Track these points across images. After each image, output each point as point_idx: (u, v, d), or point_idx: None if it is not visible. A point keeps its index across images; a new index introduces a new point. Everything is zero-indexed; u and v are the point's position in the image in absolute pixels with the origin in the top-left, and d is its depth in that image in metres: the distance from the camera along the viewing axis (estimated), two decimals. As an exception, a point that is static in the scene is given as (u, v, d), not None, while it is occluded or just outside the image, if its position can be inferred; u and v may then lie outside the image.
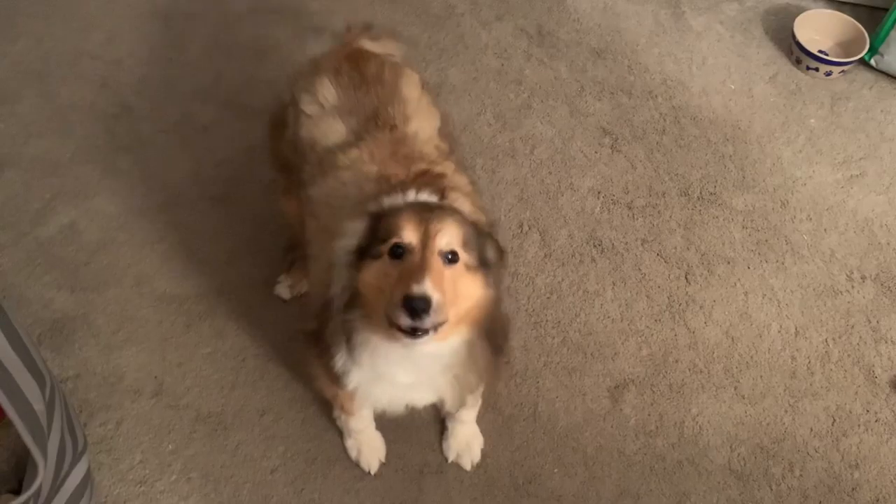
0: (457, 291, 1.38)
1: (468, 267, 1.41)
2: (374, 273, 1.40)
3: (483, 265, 1.45)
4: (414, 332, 1.32)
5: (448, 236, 1.37)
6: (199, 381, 2.13)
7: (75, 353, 2.16)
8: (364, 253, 1.43)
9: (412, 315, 1.28)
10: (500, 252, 1.52)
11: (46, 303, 2.25)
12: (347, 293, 1.45)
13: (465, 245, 1.40)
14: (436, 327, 1.33)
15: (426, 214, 1.39)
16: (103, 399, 2.10)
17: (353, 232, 1.47)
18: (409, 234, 1.36)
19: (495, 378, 1.69)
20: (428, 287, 1.28)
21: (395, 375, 1.53)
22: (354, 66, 1.83)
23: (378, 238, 1.41)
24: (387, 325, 1.36)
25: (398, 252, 1.37)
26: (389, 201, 1.50)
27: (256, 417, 2.08)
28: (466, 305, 1.41)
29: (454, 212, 1.46)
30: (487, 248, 1.48)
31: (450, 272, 1.37)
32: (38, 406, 1.64)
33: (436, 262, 1.34)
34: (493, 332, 1.51)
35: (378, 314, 1.39)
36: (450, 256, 1.37)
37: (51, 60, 2.81)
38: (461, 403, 1.80)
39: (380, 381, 1.56)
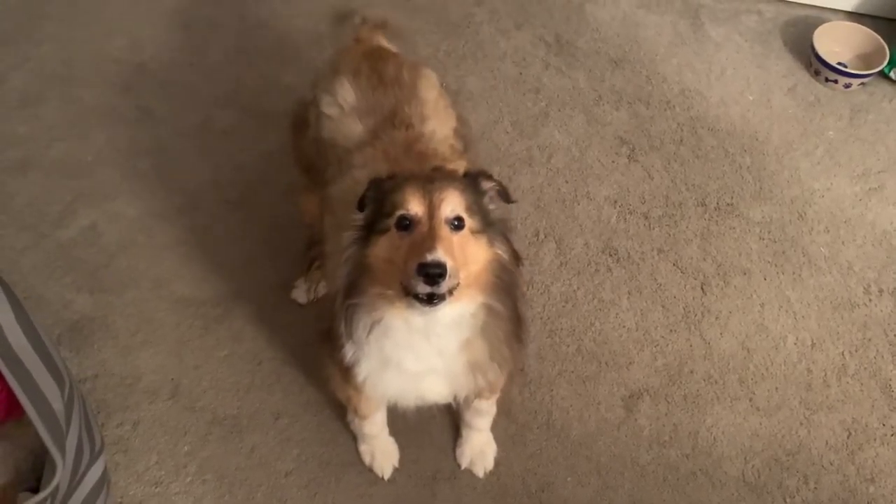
0: (466, 256, 1.41)
1: (473, 231, 1.44)
2: (384, 246, 1.43)
3: (487, 225, 1.47)
4: (430, 300, 1.36)
5: (452, 203, 1.40)
6: (215, 384, 2.15)
7: (94, 354, 2.19)
8: (371, 229, 1.45)
9: (429, 281, 1.32)
10: (506, 195, 1.54)
11: (66, 304, 2.27)
12: (354, 271, 1.47)
13: (469, 209, 1.43)
14: (451, 291, 1.37)
15: (428, 185, 1.41)
16: (121, 400, 2.12)
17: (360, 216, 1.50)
18: (414, 206, 1.39)
19: (517, 357, 1.68)
20: (440, 253, 1.32)
21: (404, 361, 1.54)
22: (373, 66, 1.85)
23: (383, 213, 1.43)
24: (403, 296, 1.39)
25: (405, 224, 1.40)
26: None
27: (271, 420, 2.09)
28: (475, 269, 1.44)
29: (455, 178, 1.48)
30: (489, 206, 1.51)
31: (457, 238, 1.40)
32: (57, 405, 1.66)
33: (443, 229, 1.38)
34: (506, 290, 1.51)
35: (392, 287, 1.42)
36: (456, 223, 1.40)
37: (74, 64, 2.85)
38: (477, 394, 1.79)
39: (388, 370, 1.56)
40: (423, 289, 1.34)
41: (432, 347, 1.52)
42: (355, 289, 1.47)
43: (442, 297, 1.36)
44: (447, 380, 1.62)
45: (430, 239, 1.35)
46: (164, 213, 2.47)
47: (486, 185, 1.52)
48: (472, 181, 1.50)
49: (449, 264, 1.32)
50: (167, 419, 2.09)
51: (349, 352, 1.55)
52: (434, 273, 1.31)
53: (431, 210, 1.39)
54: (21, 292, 2.22)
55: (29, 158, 2.58)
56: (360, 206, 1.50)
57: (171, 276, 2.33)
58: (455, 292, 1.38)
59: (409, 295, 1.37)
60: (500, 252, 1.49)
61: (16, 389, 1.58)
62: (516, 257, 1.55)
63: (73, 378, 1.83)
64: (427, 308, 1.37)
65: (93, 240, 2.40)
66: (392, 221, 1.41)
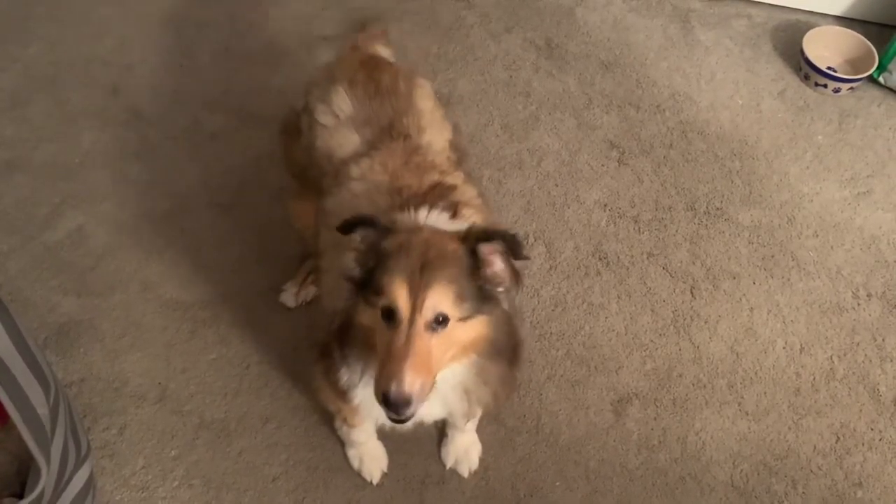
0: (449, 344, 1.39)
1: (462, 319, 1.39)
2: (368, 318, 1.42)
3: (483, 302, 1.42)
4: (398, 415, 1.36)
5: (434, 304, 1.35)
6: (202, 388, 2.14)
7: (80, 358, 2.17)
8: (363, 287, 1.42)
9: (392, 410, 1.33)
10: (518, 252, 1.46)
11: (52, 307, 2.26)
12: (346, 320, 1.48)
13: (457, 299, 1.37)
14: (422, 400, 1.36)
15: (417, 279, 1.35)
16: (107, 404, 2.10)
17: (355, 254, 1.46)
18: (399, 303, 1.35)
19: (510, 391, 1.67)
20: (406, 384, 1.31)
21: None
22: (369, 76, 1.84)
23: (373, 287, 1.39)
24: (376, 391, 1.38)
25: (388, 314, 1.37)
26: (399, 220, 1.50)
27: (259, 425, 2.08)
28: (462, 347, 1.43)
29: (447, 263, 1.38)
30: (491, 272, 1.44)
31: (438, 338, 1.37)
32: (42, 410, 1.65)
33: (419, 341, 1.34)
34: (501, 352, 1.50)
35: (372, 354, 1.43)
36: (439, 319, 1.36)
37: (62, 66, 2.83)
38: (471, 417, 1.81)
39: None
40: (387, 414, 1.36)
41: None
42: (347, 339, 1.48)
43: (409, 416, 1.37)
44: (441, 403, 1.62)
45: (401, 359, 1.32)
46: (152, 215, 2.45)
47: (488, 249, 1.42)
48: (471, 249, 1.41)
49: (415, 393, 1.31)
50: (154, 423, 2.08)
51: (344, 376, 1.55)
52: (398, 404, 1.32)
53: (413, 311, 1.35)
54: (6, 295, 2.22)
55: (16, 160, 2.57)
56: (344, 231, 1.43)
57: (159, 280, 2.32)
58: (432, 391, 1.38)
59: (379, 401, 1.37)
60: (498, 313, 1.45)
61: (1, 395, 1.56)
62: (516, 277, 1.50)
63: (58, 382, 1.82)
64: (395, 419, 1.39)
65: (80, 242, 2.39)
66: (377, 303, 1.38)
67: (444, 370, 1.44)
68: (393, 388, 1.31)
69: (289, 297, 2.26)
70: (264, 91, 2.76)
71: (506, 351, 1.52)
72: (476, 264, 1.41)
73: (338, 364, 1.53)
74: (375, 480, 2.00)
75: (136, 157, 2.59)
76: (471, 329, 1.42)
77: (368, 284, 1.41)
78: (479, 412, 1.91)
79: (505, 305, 1.47)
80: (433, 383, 1.38)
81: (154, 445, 2.04)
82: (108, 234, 2.41)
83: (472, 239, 1.41)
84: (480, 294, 1.41)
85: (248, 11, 3.02)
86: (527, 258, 1.50)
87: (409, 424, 1.44)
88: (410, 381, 1.31)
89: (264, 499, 1.98)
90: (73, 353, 2.18)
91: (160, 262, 2.36)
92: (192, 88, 2.78)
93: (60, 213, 2.45)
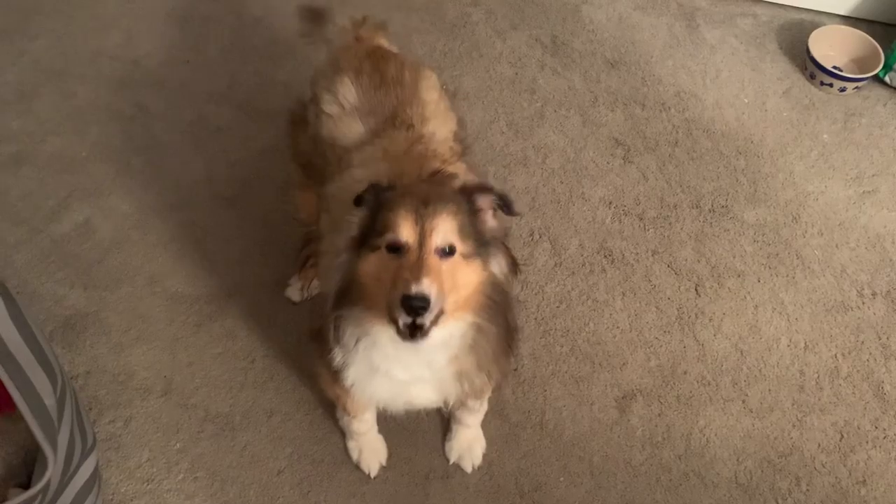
0: (455, 282, 1.40)
1: (465, 255, 1.43)
2: (373, 264, 1.42)
3: (481, 246, 1.46)
4: (413, 334, 1.36)
5: (443, 232, 1.39)
6: (208, 381, 2.14)
7: (86, 351, 2.18)
8: (364, 242, 1.45)
9: (411, 313, 1.32)
10: (509, 208, 1.52)
11: (59, 299, 2.26)
12: (344, 281, 1.47)
13: (461, 233, 1.42)
14: (435, 320, 1.37)
15: (422, 209, 1.40)
16: (113, 397, 2.11)
17: (357, 218, 1.49)
18: (405, 231, 1.38)
19: (503, 374, 1.68)
20: (425, 285, 1.32)
21: (392, 370, 1.54)
22: (375, 66, 1.84)
23: (376, 228, 1.43)
24: (388, 321, 1.40)
25: (395, 248, 1.39)
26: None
27: (264, 418, 2.09)
28: (465, 293, 1.44)
29: (450, 197, 1.46)
30: (487, 223, 1.50)
31: (447, 265, 1.39)
32: (49, 401, 1.66)
33: (432, 260, 1.37)
34: (498, 309, 1.51)
35: (378, 305, 1.42)
36: (446, 250, 1.40)
37: (69, 59, 2.84)
38: (465, 401, 1.81)
39: (376, 377, 1.57)
40: (405, 319, 1.34)
41: (420, 360, 1.53)
42: (344, 300, 1.47)
43: (424, 332, 1.36)
44: (435, 387, 1.63)
45: (417, 269, 1.34)
46: (158, 209, 2.46)
47: (484, 202, 1.50)
48: (468, 197, 1.48)
49: (433, 295, 1.32)
50: (159, 416, 2.08)
51: (338, 356, 1.55)
52: (417, 305, 1.31)
53: (422, 237, 1.38)
54: (14, 287, 2.23)
55: (23, 153, 2.57)
56: (357, 203, 1.49)
57: (165, 273, 2.33)
58: (441, 319, 1.38)
59: (393, 323, 1.38)
60: (494, 272, 1.48)
61: (8, 385, 1.57)
62: (514, 265, 1.55)
63: (65, 374, 1.83)
64: (409, 342, 1.38)
65: (86, 235, 2.40)
66: (383, 242, 1.40)
67: (446, 324, 1.42)
68: (413, 288, 1.31)
69: (294, 291, 2.26)
70: (270, 86, 2.77)
71: (499, 326, 1.52)
72: (473, 211, 1.48)
73: (331, 344, 1.53)
74: (373, 473, 2.00)
75: (141, 151, 2.60)
76: (472, 272, 1.44)
77: (370, 233, 1.43)
78: (476, 406, 1.93)
79: (496, 269, 1.50)
80: (443, 310, 1.37)
81: (159, 438, 2.05)
82: (114, 227, 2.42)
83: (469, 189, 1.50)
84: (479, 239, 1.46)
85: (253, 6, 3.03)
86: (519, 214, 1.55)
87: (419, 346, 1.40)
88: (428, 284, 1.32)
89: (269, 492, 1.98)
90: (79, 346, 2.19)
91: (166, 255, 2.36)
92: (197, 83, 2.79)
93: (67, 206, 2.45)
